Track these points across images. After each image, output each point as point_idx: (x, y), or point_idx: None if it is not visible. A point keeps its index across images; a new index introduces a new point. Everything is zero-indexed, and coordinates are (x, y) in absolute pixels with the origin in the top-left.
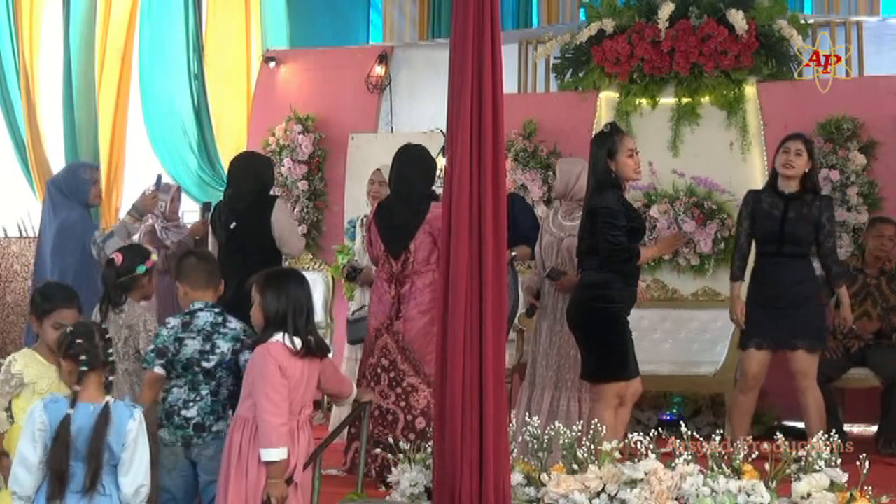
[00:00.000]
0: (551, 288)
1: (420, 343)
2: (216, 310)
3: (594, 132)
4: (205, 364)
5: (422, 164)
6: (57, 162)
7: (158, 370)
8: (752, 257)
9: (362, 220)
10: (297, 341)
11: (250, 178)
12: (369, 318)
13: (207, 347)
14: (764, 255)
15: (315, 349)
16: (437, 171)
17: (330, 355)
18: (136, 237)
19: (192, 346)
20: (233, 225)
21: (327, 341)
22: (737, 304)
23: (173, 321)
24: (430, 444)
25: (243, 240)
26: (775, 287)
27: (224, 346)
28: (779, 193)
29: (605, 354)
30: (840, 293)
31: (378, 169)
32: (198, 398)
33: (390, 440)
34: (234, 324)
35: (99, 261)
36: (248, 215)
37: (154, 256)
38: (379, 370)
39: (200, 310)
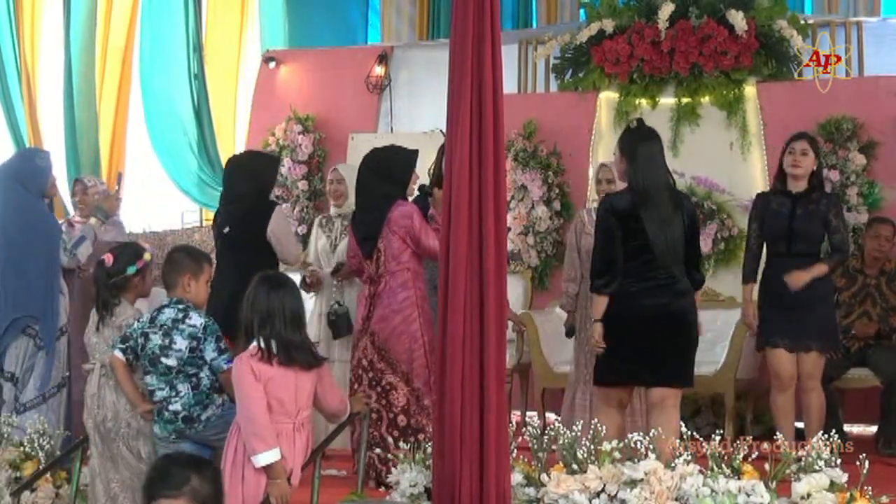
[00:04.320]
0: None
1: (394, 342)
2: (180, 306)
3: (594, 132)
4: (165, 360)
5: (379, 169)
6: (57, 162)
7: (117, 353)
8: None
9: (321, 221)
10: (273, 345)
11: (244, 180)
12: (355, 320)
13: (167, 342)
14: (774, 255)
15: (299, 356)
16: (410, 167)
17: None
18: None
19: (154, 340)
20: (226, 230)
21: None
22: (749, 306)
23: (146, 315)
24: (429, 444)
25: (235, 244)
26: (787, 287)
27: (181, 343)
28: (786, 193)
29: (692, 357)
30: (819, 265)
31: (335, 168)
32: (179, 395)
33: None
34: (195, 320)
35: (74, 268)
36: (245, 221)
37: (147, 256)
38: (360, 371)
39: (167, 306)
